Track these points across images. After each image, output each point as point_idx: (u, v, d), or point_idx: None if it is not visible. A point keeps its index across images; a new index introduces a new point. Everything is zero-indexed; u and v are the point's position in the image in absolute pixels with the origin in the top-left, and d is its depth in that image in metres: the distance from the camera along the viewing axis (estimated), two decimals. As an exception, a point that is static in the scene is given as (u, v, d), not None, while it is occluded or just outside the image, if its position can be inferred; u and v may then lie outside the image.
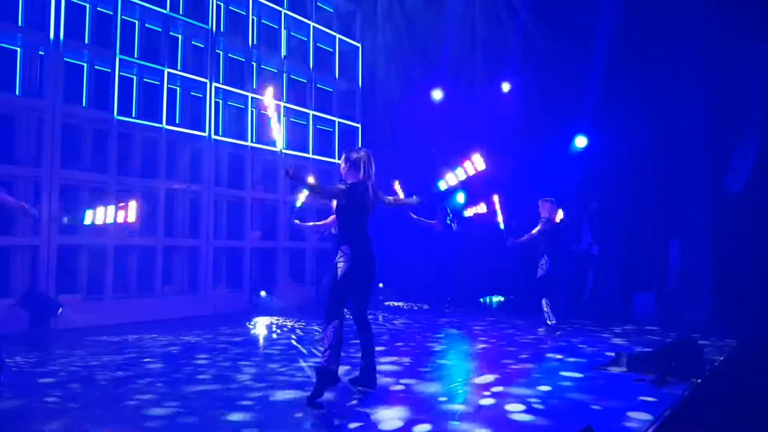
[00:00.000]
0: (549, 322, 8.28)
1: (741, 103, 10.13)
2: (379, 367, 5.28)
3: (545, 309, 8.31)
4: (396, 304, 12.50)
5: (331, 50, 14.14)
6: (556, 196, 8.67)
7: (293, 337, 8.20)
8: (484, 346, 7.59)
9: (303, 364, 6.26)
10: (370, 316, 5.26)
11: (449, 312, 10.91)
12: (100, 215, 7.24)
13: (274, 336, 8.45)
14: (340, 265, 4.97)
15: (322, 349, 4.94)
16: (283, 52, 12.94)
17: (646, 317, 10.10)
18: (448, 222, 10.83)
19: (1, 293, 8.74)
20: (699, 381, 5.28)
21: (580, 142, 11.94)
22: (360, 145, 14.15)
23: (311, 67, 13.43)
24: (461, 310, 11.12)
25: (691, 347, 5.76)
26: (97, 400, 4.90)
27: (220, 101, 11.93)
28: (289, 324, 9.57)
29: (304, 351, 7.02)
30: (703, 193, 10.59)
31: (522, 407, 4.58)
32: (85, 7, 10.06)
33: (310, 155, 13.17)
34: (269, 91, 5.43)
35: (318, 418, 4.44)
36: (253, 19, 12.44)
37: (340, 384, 4.95)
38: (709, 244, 10.48)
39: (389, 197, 5.51)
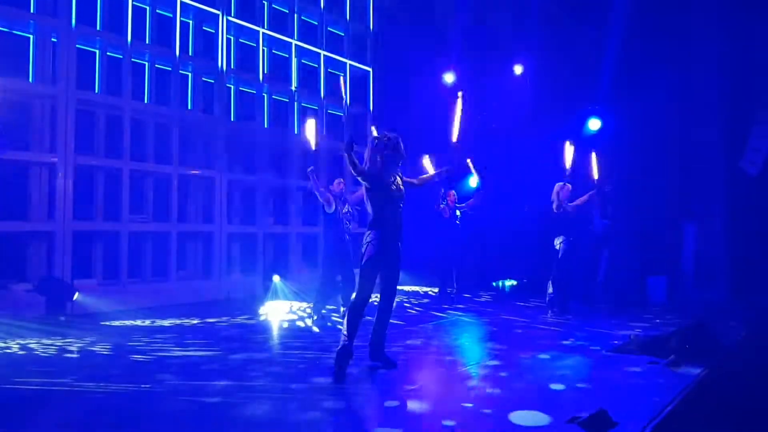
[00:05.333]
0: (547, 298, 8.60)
1: (759, 82, 9.95)
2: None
3: (549, 290, 8.60)
4: (405, 288, 12.49)
5: (342, 34, 14.06)
6: (568, 180, 8.65)
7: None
8: (493, 329, 7.58)
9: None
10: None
11: (456, 296, 10.84)
12: None
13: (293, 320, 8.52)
14: (366, 248, 5.07)
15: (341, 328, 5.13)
16: (295, 36, 12.88)
17: (660, 300, 10.04)
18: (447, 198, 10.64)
19: (18, 278, 8.85)
20: (713, 364, 5.25)
21: (594, 124, 11.81)
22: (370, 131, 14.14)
23: (323, 47, 13.37)
24: (471, 294, 11.10)
25: (705, 331, 5.74)
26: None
27: (232, 86, 11.93)
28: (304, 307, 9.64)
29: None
30: (720, 175, 10.46)
31: (535, 390, 4.59)
32: (97, -8, 10.05)
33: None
34: None
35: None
36: (264, 4, 12.41)
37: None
38: (725, 227, 10.37)
39: (413, 179, 5.54)
